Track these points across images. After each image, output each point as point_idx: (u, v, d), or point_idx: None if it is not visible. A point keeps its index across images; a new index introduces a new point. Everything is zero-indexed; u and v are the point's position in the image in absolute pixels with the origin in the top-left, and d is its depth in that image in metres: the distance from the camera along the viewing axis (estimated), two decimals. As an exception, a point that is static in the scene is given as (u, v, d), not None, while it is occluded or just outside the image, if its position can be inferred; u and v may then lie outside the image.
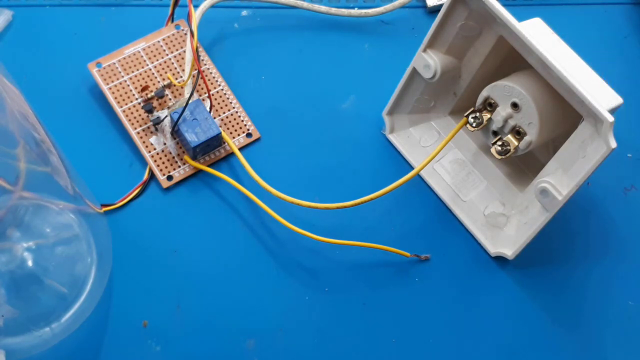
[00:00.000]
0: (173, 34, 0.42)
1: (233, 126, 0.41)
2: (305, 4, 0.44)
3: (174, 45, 0.42)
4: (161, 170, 0.40)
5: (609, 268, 0.39)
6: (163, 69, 0.42)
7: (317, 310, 0.37)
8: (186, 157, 0.40)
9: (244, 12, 0.45)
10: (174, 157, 0.40)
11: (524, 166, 0.40)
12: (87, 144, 0.40)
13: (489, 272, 0.39)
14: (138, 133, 0.40)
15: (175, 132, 0.40)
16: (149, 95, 0.40)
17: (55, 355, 0.35)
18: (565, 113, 0.35)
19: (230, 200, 0.39)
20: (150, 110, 0.40)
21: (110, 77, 0.41)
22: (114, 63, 0.41)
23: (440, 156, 0.41)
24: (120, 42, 0.42)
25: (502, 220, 0.39)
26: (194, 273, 0.38)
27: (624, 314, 0.38)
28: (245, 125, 0.41)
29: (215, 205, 0.39)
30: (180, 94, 0.41)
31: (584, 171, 0.33)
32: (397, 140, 0.41)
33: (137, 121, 0.40)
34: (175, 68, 0.42)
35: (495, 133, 0.37)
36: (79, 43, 0.43)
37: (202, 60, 0.42)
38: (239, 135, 0.41)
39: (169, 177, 0.40)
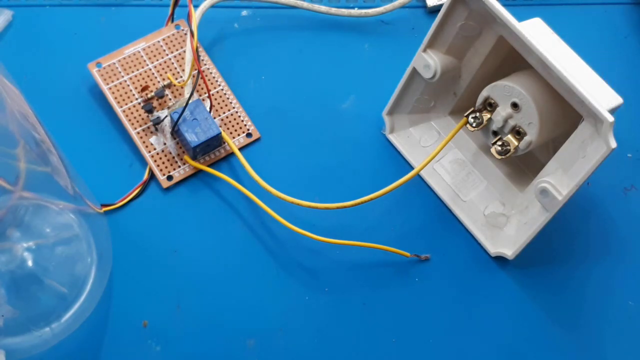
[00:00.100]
0: (173, 34, 0.42)
1: (233, 126, 0.41)
2: (305, 4, 0.44)
3: (174, 45, 0.42)
4: (161, 170, 0.40)
5: (609, 268, 0.39)
6: (163, 69, 0.42)
7: (317, 310, 0.37)
8: (186, 157, 0.40)
9: (244, 12, 0.45)
10: (174, 157, 0.40)
11: (524, 166, 0.40)
12: (87, 144, 0.40)
13: (489, 272, 0.39)
14: (138, 133, 0.40)
15: (175, 132, 0.40)
16: (149, 95, 0.40)
17: (55, 355, 0.35)
18: (565, 113, 0.35)
19: (230, 200, 0.39)
20: (150, 110, 0.40)
21: (110, 77, 0.41)
22: (114, 63, 0.41)
23: (440, 156, 0.41)
24: (120, 42, 0.42)
25: (502, 220, 0.39)
26: (194, 273, 0.38)
27: (624, 314, 0.38)
28: (245, 125, 0.41)
29: (215, 205, 0.39)
30: (180, 94, 0.41)
31: (584, 171, 0.33)
32: (397, 140, 0.41)
33: (137, 121, 0.40)
34: (175, 68, 0.42)
35: (495, 133, 0.37)
36: (79, 43, 0.43)
37: (202, 60, 0.42)
38: (239, 135, 0.41)
39: (169, 177, 0.40)
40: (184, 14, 0.43)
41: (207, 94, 0.41)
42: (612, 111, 0.36)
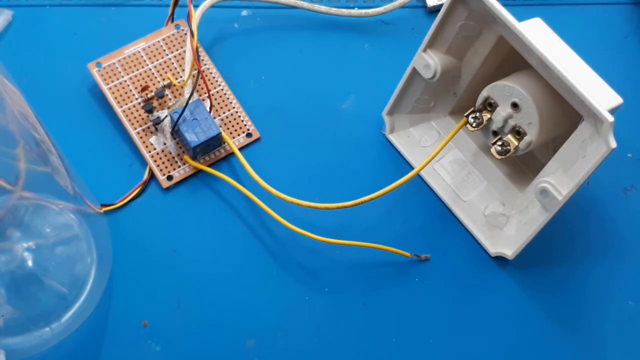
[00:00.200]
0: (173, 34, 0.42)
1: (233, 126, 0.41)
2: (305, 4, 0.44)
3: (174, 45, 0.42)
4: (161, 170, 0.40)
5: (609, 268, 0.39)
6: (163, 69, 0.42)
7: (317, 310, 0.37)
8: (186, 157, 0.40)
9: (244, 12, 0.45)
10: (174, 157, 0.40)
11: (524, 166, 0.40)
12: (87, 144, 0.40)
13: (489, 272, 0.39)
14: (138, 133, 0.40)
15: (175, 132, 0.40)
16: (149, 95, 0.40)
17: (55, 355, 0.35)
18: (565, 113, 0.35)
19: (230, 200, 0.39)
20: (150, 110, 0.40)
21: (110, 77, 0.41)
22: (114, 63, 0.41)
23: (440, 156, 0.41)
24: (120, 42, 0.42)
25: (502, 220, 0.39)
26: (194, 273, 0.38)
27: (624, 314, 0.38)
28: (245, 125, 0.41)
29: (215, 205, 0.39)
30: (180, 94, 0.41)
31: (584, 171, 0.33)
32: (397, 140, 0.41)
33: (137, 121, 0.40)
34: (175, 68, 0.42)
35: (495, 133, 0.37)
36: (79, 43, 0.43)
37: (202, 60, 0.42)
38: (239, 135, 0.41)
39: (169, 177, 0.40)
40: (184, 14, 0.43)
41: (207, 94, 0.41)
42: (612, 111, 0.36)
